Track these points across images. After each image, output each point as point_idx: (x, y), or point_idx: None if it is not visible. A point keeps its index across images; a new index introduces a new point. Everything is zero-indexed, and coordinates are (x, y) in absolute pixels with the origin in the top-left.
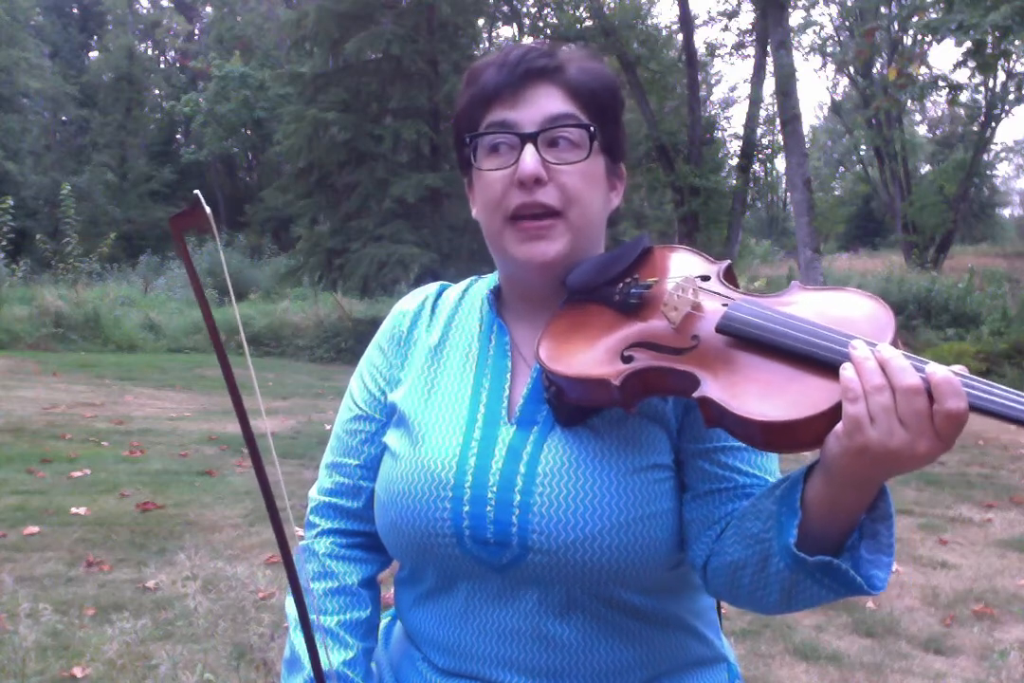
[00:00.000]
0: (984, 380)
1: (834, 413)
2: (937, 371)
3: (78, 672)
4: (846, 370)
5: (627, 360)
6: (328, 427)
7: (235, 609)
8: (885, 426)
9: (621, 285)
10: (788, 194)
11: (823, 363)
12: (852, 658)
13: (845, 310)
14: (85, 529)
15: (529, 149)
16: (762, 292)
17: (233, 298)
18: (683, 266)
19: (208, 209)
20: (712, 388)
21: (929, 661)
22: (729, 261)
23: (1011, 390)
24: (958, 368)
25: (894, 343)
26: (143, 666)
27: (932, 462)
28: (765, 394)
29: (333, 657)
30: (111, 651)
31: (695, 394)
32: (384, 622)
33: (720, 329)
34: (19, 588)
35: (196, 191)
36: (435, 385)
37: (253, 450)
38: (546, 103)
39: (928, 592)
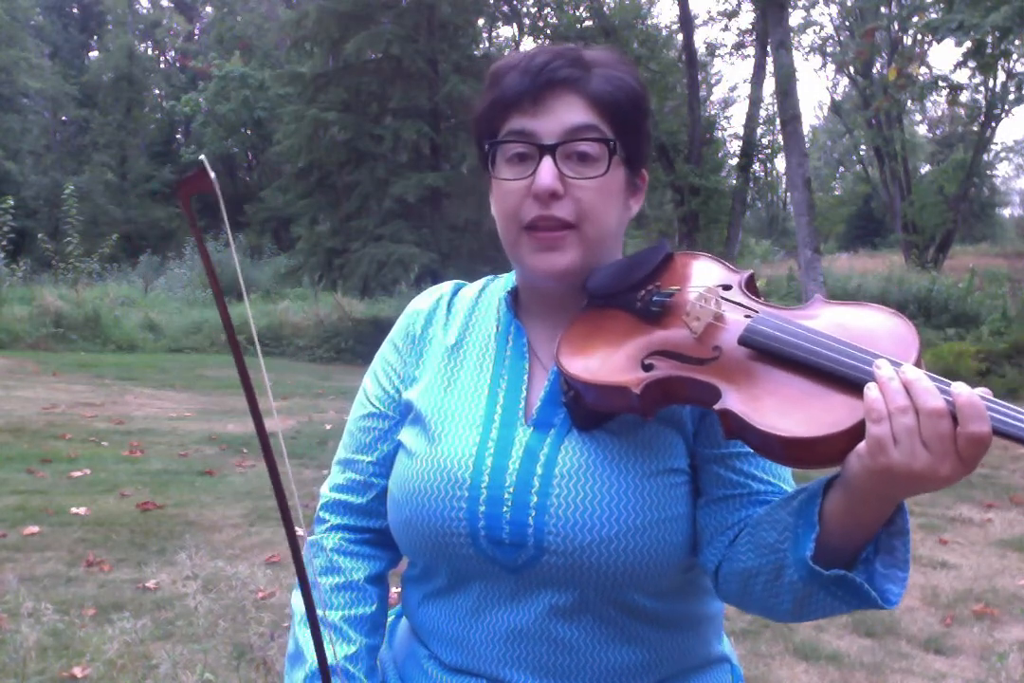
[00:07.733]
0: (1008, 404)
1: (856, 432)
2: (962, 393)
3: (78, 672)
4: (870, 390)
5: (647, 368)
6: (329, 427)
7: (235, 609)
8: (908, 448)
9: (643, 292)
10: (788, 194)
11: (846, 381)
12: (852, 658)
13: (869, 327)
14: (85, 529)
15: (547, 162)
16: (777, 303)
17: (244, 290)
18: (705, 274)
19: (212, 174)
20: (733, 401)
21: (929, 661)
22: (751, 271)
23: None
24: (982, 391)
25: (917, 363)
26: (143, 666)
27: (954, 484)
28: (787, 409)
29: (335, 651)
30: (111, 651)
31: (716, 406)
32: (388, 621)
33: (743, 342)
34: (20, 588)
35: (202, 156)
36: (452, 384)
37: (266, 446)
38: (566, 113)
39: (928, 592)
